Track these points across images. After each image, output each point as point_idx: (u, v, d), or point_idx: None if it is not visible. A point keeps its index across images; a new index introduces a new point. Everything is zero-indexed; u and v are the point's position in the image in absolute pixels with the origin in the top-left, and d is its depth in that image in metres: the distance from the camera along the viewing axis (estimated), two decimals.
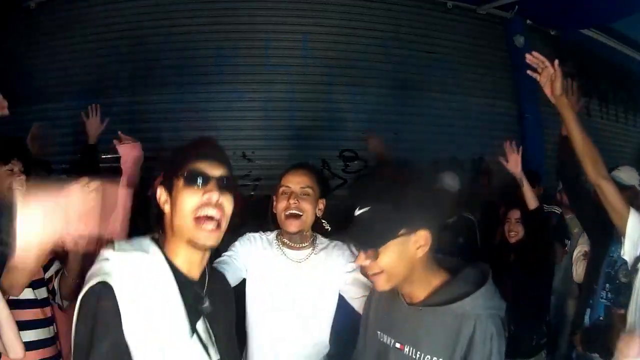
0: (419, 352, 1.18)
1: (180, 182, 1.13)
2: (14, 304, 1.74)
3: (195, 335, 1.12)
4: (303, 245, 1.79)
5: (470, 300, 1.15)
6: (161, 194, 1.18)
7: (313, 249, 1.79)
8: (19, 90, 4.37)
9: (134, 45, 4.37)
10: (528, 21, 5.28)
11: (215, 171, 1.14)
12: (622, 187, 2.36)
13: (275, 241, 1.81)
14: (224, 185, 1.13)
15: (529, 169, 3.16)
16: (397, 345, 1.24)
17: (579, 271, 2.96)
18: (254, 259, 1.78)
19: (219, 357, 1.18)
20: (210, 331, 1.18)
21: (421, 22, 4.86)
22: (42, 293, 1.87)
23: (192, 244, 1.12)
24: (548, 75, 1.91)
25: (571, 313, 3.16)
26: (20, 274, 1.53)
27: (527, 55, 1.94)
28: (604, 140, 5.85)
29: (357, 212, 1.19)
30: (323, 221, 1.87)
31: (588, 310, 2.26)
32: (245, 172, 4.14)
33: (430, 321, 1.18)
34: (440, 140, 4.64)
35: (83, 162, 2.88)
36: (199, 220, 1.10)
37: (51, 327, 1.90)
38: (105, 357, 1.01)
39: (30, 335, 1.79)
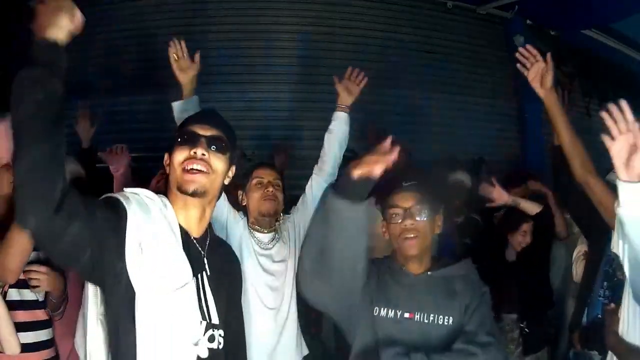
0: (431, 316, 1.39)
1: (176, 143, 1.26)
2: (15, 305, 1.75)
3: (196, 280, 1.21)
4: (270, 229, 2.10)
5: (464, 263, 1.53)
6: (166, 158, 1.31)
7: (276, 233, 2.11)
8: None
9: (134, 45, 4.38)
10: (528, 21, 5.28)
11: (206, 132, 1.26)
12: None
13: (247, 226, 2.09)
14: (212, 143, 1.25)
15: (515, 169, 3.17)
16: (406, 314, 1.40)
17: (579, 271, 2.97)
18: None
19: (218, 322, 1.24)
20: (211, 293, 1.25)
21: (421, 22, 4.86)
22: (41, 295, 1.86)
23: (180, 190, 1.22)
24: (538, 69, 1.90)
25: (570, 312, 3.17)
26: (13, 256, 1.54)
27: (520, 49, 1.94)
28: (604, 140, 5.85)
29: (406, 183, 1.52)
30: None
31: (586, 309, 2.27)
32: (245, 172, 4.14)
33: (436, 285, 1.44)
34: (440, 140, 4.64)
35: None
36: (185, 171, 1.22)
37: (50, 329, 1.90)
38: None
39: (30, 337, 1.79)
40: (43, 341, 1.84)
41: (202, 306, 1.22)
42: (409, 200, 1.48)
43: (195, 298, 1.21)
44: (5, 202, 1.81)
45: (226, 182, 1.33)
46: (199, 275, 1.24)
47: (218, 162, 1.26)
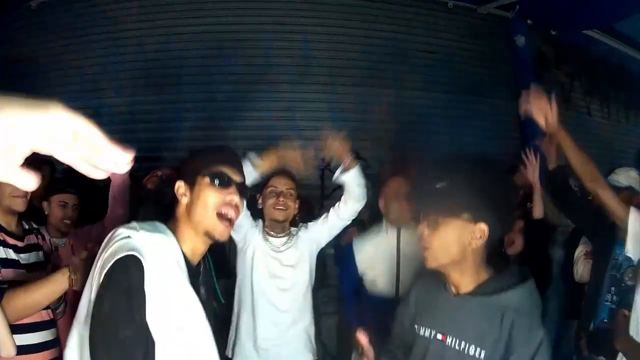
0: (463, 342, 1.21)
1: (205, 180, 1.24)
2: None
3: (203, 315, 1.19)
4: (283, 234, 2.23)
5: (516, 293, 1.19)
6: (179, 186, 1.27)
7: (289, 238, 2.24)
8: (19, 90, 4.37)
9: (135, 45, 4.37)
10: (529, 21, 5.28)
11: (237, 177, 1.28)
12: (619, 189, 2.37)
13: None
14: (243, 191, 1.28)
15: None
16: (439, 336, 1.26)
17: (579, 271, 2.97)
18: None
19: (214, 343, 1.22)
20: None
21: (422, 22, 4.86)
22: None
23: (209, 236, 1.22)
24: (541, 107, 1.89)
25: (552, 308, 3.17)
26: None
27: (524, 93, 1.96)
28: (604, 140, 5.86)
29: (437, 185, 1.25)
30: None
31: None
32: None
33: (476, 311, 1.21)
34: (440, 140, 4.64)
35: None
36: (220, 216, 1.22)
37: (54, 329, 1.90)
38: (130, 336, 1.04)
39: (35, 337, 1.79)
40: (47, 341, 1.84)
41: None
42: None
43: (210, 335, 1.19)
44: (5, 212, 1.82)
45: None
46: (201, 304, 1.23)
47: (242, 209, 1.30)
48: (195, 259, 1.26)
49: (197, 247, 1.25)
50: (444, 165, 1.28)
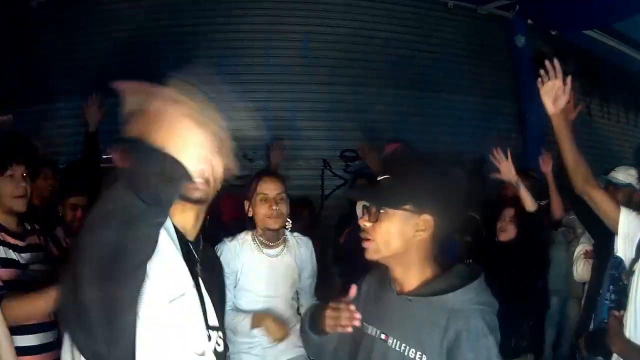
0: (403, 345, 1.15)
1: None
2: None
3: (197, 289, 1.18)
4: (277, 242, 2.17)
5: (461, 294, 1.12)
6: None
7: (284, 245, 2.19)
8: (20, 90, 4.38)
9: (135, 44, 4.37)
10: (529, 21, 5.28)
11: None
12: (618, 187, 2.39)
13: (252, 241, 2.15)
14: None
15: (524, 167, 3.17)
16: (382, 336, 1.21)
17: (579, 269, 2.98)
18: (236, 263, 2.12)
19: (217, 324, 1.22)
20: (207, 296, 1.22)
21: (421, 22, 4.85)
22: None
23: (184, 198, 1.18)
24: (554, 86, 1.88)
25: (573, 313, 3.17)
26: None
27: (547, 62, 1.95)
28: (604, 140, 5.86)
29: (379, 178, 1.22)
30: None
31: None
32: (246, 173, 4.14)
33: (418, 313, 1.15)
34: (440, 140, 4.65)
35: (85, 150, 2.91)
36: None
37: (55, 331, 1.89)
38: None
39: (37, 339, 1.79)
40: (48, 343, 1.84)
41: (202, 305, 1.21)
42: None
43: (198, 307, 1.18)
44: (6, 212, 1.82)
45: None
46: (198, 279, 1.22)
47: (219, 167, 1.23)
48: (188, 231, 1.24)
49: (184, 217, 1.22)
50: (393, 160, 1.28)
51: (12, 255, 1.78)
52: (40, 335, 1.81)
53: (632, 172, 2.48)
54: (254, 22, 4.43)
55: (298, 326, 2.14)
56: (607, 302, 2.22)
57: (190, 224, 1.25)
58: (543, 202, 3.16)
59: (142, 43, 4.36)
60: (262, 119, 4.51)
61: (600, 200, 1.99)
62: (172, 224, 1.20)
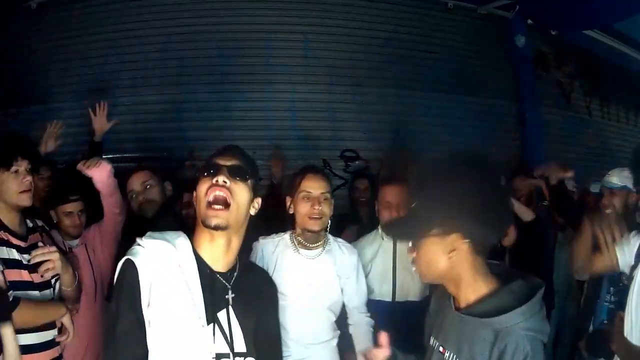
0: (457, 359, 1.18)
1: (200, 176, 1.29)
2: None
3: (214, 324, 1.23)
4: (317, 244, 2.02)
5: (508, 317, 1.10)
6: (192, 197, 1.32)
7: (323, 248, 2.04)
8: (19, 90, 4.37)
9: (135, 45, 4.37)
10: (529, 21, 5.28)
11: (227, 162, 1.28)
12: (614, 190, 2.38)
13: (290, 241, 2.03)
14: (234, 172, 1.26)
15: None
16: (440, 348, 1.24)
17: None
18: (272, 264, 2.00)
19: (245, 349, 1.26)
20: (238, 323, 1.27)
21: (421, 22, 4.85)
22: (46, 295, 1.86)
23: (205, 224, 1.23)
24: None
25: (572, 313, 3.17)
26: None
27: None
28: (604, 140, 5.86)
29: (412, 206, 1.26)
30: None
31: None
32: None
33: (470, 330, 1.16)
34: (440, 140, 4.64)
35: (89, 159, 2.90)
36: (209, 203, 1.23)
37: (54, 329, 1.89)
38: (127, 330, 1.14)
39: (37, 337, 1.79)
40: (49, 341, 1.84)
41: (227, 337, 1.25)
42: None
43: (211, 343, 1.22)
44: (10, 209, 1.82)
45: (252, 212, 1.33)
46: (226, 308, 1.27)
47: (240, 190, 1.27)
48: (218, 263, 1.27)
49: (213, 248, 1.26)
50: (418, 182, 1.26)
51: (16, 255, 1.78)
52: (41, 334, 1.81)
53: (626, 173, 2.47)
54: (254, 22, 4.43)
55: (335, 342, 2.06)
56: (606, 303, 2.23)
57: (220, 253, 1.27)
58: (545, 203, 3.16)
59: (141, 43, 4.36)
60: (262, 119, 4.55)
61: (600, 267, 1.98)
62: (196, 256, 1.25)
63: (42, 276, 1.73)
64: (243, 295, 1.29)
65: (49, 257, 1.71)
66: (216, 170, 1.25)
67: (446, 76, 4.83)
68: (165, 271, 1.19)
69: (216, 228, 1.22)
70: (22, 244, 1.82)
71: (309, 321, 1.99)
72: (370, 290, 2.29)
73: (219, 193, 1.23)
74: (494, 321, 1.11)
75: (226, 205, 1.23)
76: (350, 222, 3.38)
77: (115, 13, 4.43)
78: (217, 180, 1.23)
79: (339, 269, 2.05)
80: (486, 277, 1.20)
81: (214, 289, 1.25)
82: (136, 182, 2.48)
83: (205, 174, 1.27)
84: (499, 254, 2.98)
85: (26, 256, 1.80)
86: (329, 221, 2.02)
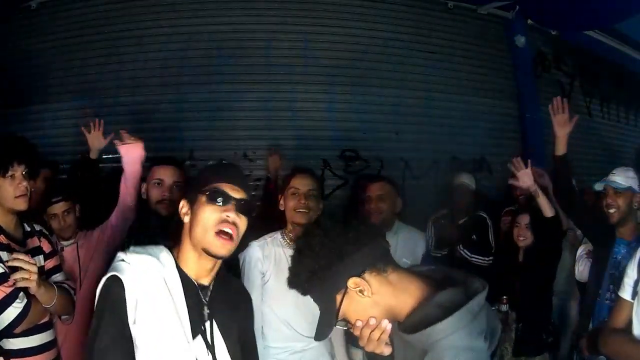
0: None
1: (204, 198, 1.26)
2: None
3: (199, 337, 1.23)
4: None
5: (429, 332, 1.02)
6: (183, 205, 1.31)
7: None
8: (19, 90, 4.37)
9: (135, 45, 4.37)
10: (529, 21, 5.28)
11: (236, 194, 1.27)
12: (618, 191, 2.37)
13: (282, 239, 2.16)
14: (241, 206, 1.27)
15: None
16: None
17: (580, 269, 2.98)
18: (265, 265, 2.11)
19: (229, 359, 1.27)
20: (220, 335, 1.28)
21: (421, 22, 4.85)
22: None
23: (207, 252, 1.24)
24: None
25: (573, 314, 3.17)
26: None
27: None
28: (604, 140, 5.86)
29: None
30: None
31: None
32: (246, 173, 4.14)
33: (408, 349, 1.12)
34: (440, 140, 4.64)
35: (82, 176, 2.84)
36: (218, 234, 1.23)
37: (51, 330, 1.91)
38: (107, 346, 1.14)
39: (36, 340, 1.80)
40: (46, 343, 1.85)
41: (212, 350, 1.26)
42: None
43: (203, 354, 1.23)
44: (6, 212, 1.81)
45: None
46: (210, 321, 1.28)
47: (243, 224, 1.28)
48: (201, 278, 1.29)
49: (200, 265, 1.27)
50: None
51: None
52: (38, 336, 1.81)
53: (631, 174, 2.47)
54: (254, 22, 4.43)
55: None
56: (607, 302, 2.23)
57: (206, 270, 1.29)
58: None
59: (141, 43, 4.36)
60: (262, 119, 4.55)
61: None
62: (179, 270, 1.25)
63: (13, 283, 1.66)
64: (223, 307, 1.31)
65: (27, 267, 1.64)
66: (226, 202, 1.25)
67: (446, 76, 4.83)
68: (151, 287, 1.20)
69: (219, 258, 1.26)
70: (20, 249, 1.81)
71: (308, 314, 2.02)
72: None
73: (228, 230, 1.24)
74: (416, 337, 1.04)
75: (232, 238, 1.25)
76: None
77: (115, 13, 4.43)
78: (228, 217, 1.24)
79: None
80: (408, 289, 1.12)
81: (198, 303, 1.26)
82: (168, 175, 2.35)
83: (214, 201, 1.25)
84: (513, 253, 3.00)
85: None
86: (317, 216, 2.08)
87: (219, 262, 1.30)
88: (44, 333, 1.85)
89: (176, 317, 1.20)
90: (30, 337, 1.78)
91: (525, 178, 2.76)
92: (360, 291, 1.10)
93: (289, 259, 1.97)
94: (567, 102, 2.64)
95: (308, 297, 1.95)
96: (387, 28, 4.67)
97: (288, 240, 2.15)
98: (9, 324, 1.67)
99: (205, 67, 4.34)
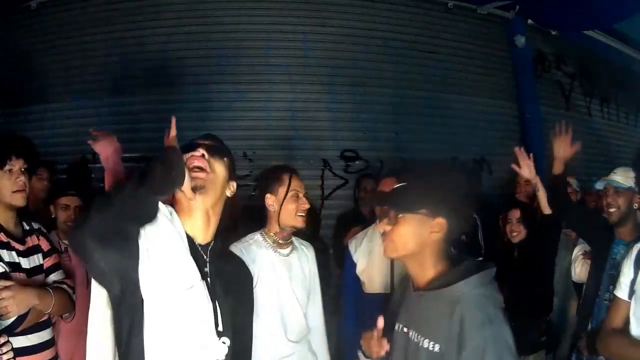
0: (420, 336, 1.25)
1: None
2: None
3: (202, 282, 1.26)
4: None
5: (463, 285, 1.21)
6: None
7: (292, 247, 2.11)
8: (19, 90, 4.38)
9: (135, 45, 4.37)
10: (529, 21, 5.28)
11: (204, 141, 1.38)
12: (619, 191, 2.37)
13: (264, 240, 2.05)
14: (211, 148, 1.35)
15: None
16: (405, 329, 1.32)
17: (577, 270, 2.98)
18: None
19: (222, 329, 1.28)
20: (217, 303, 1.29)
21: (421, 22, 4.85)
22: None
23: (184, 191, 1.26)
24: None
25: (572, 314, 3.17)
26: None
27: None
28: (604, 140, 5.86)
29: (396, 186, 1.37)
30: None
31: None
32: (246, 172, 4.14)
33: (429, 306, 1.26)
34: (440, 140, 4.64)
35: (79, 175, 2.84)
36: (189, 169, 1.28)
37: (50, 329, 1.90)
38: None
39: (35, 338, 1.80)
40: (45, 341, 1.85)
41: (211, 297, 1.28)
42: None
43: (206, 300, 1.26)
44: (5, 209, 1.81)
45: (228, 194, 1.38)
46: (204, 281, 1.28)
47: (217, 165, 1.34)
48: (198, 234, 1.32)
49: (193, 218, 1.31)
50: (408, 169, 1.38)
51: (16, 258, 1.77)
52: (37, 334, 1.81)
53: (631, 174, 2.46)
54: (254, 22, 4.43)
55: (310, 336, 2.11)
56: (606, 302, 2.23)
57: (199, 227, 1.33)
58: None
59: (141, 43, 4.37)
60: (262, 119, 4.55)
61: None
62: (184, 230, 1.30)
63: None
64: (222, 276, 1.33)
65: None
66: (195, 146, 1.34)
67: (446, 76, 4.83)
68: (168, 229, 1.24)
69: (195, 189, 1.27)
70: (20, 247, 1.81)
71: (298, 317, 2.04)
72: (369, 284, 2.32)
73: (197, 163, 1.30)
74: (445, 292, 1.22)
75: (205, 171, 1.30)
76: (354, 222, 3.38)
77: (115, 13, 4.43)
78: (195, 151, 1.31)
79: (304, 263, 2.13)
80: (445, 260, 1.32)
81: (197, 259, 1.29)
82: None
83: (187, 149, 1.33)
84: (508, 250, 3.00)
85: (23, 260, 1.80)
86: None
87: (212, 221, 1.34)
88: (43, 331, 1.84)
89: (185, 261, 1.24)
90: (29, 335, 1.77)
91: (526, 169, 2.76)
92: (432, 232, 1.27)
93: (278, 262, 1.99)
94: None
95: (295, 301, 2.02)
96: (387, 28, 4.67)
97: (271, 242, 2.03)
98: (9, 326, 1.67)
99: (205, 67, 4.34)
